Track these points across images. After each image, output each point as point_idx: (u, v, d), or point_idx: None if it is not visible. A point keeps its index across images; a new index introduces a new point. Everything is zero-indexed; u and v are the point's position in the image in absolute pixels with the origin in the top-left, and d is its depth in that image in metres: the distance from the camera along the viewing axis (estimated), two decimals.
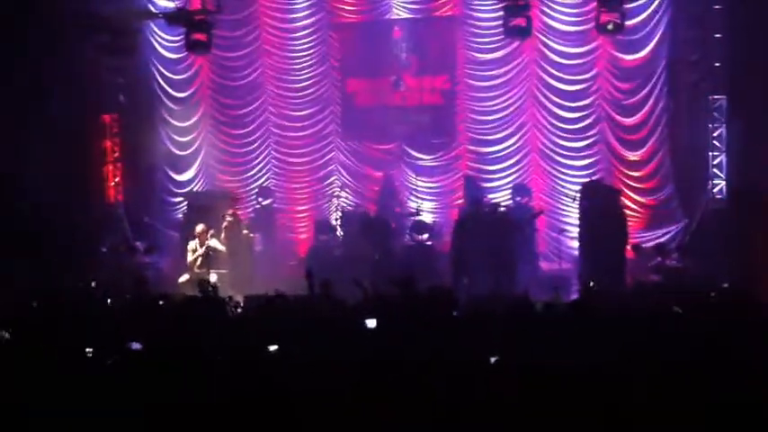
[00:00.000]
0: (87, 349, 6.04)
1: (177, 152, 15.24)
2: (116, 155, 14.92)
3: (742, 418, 4.12)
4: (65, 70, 12.93)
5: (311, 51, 15.08)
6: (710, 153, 13.16)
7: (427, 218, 14.39)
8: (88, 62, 13.33)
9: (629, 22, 12.61)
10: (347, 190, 14.98)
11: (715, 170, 13.16)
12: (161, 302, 8.95)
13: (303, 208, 15.24)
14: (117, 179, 14.93)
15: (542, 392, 4.29)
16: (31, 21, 12.39)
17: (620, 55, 13.69)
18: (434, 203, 14.76)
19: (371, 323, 6.88)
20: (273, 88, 15.24)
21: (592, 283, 9.74)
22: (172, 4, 14.42)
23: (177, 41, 14.59)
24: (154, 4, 14.68)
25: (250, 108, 15.29)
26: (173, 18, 14.24)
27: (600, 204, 11.97)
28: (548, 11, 13.96)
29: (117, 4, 13.14)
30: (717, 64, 12.90)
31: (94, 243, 13.44)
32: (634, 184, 13.70)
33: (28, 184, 12.20)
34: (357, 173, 14.99)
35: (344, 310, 8.22)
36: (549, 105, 14.21)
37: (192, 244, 12.69)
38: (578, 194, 12.27)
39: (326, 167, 15.21)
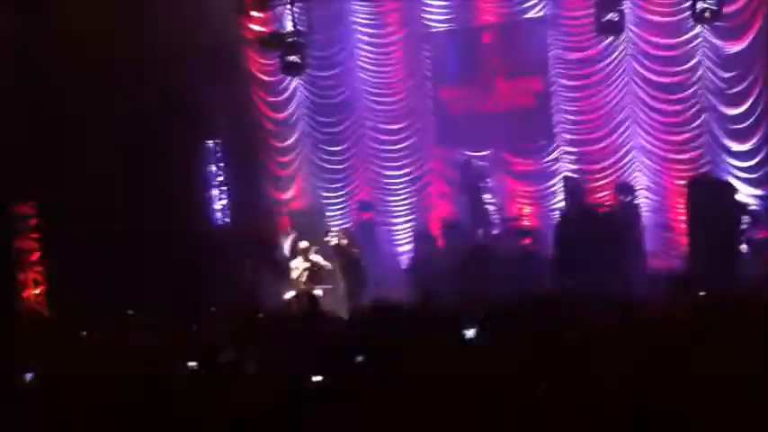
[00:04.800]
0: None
1: (279, 172, 15.60)
2: (220, 179, 15.40)
3: None
4: (167, 98, 13.44)
5: (403, 64, 15.18)
6: None
7: (528, 223, 14.22)
8: (188, 89, 13.81)
9: (726, 9, 12.16)
10: (445, 199, 14.97)
11: None
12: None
13: (402, 220, 15.33)
14: (223, 202, 15.41)
15: None
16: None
17: (720, 43, 13.20)
18: (535, 208, 14.58)
19: (470, 333, 6.82)
20: (367, 103, 15.42)
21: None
22: (265, 28, 14.86)
23: (272, 64, 14.99)
24: (247, 29, 15.10)
25: (345, 125, 15.52)
26: (266, 42, 14.68)
27: (709, 199, 11.57)
28: (641, 3, 13.60)
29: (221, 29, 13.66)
30: None
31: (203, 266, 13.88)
32: (743, 175, 13.15)
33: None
34: (454, 182, 14.95)
35: (445, 320, 8.20)
36: (648, 100, 13.83)
37: (296, 261, 12.97)
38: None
39: (423, 178, 15.26)
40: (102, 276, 12.09)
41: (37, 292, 12.97)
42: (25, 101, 12.64)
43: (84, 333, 8.93)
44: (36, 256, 13.23)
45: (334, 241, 13.22)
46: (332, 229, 13.44)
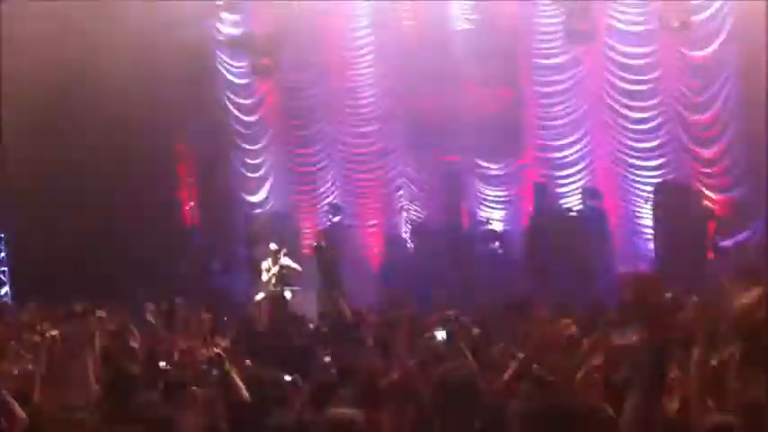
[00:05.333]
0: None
1: (249, 174, 15.53)
2: (190, 179, 15.31)
3: None
4: (137, 98, 13.34)
5: (373, 69, 15.21)
6: None
7: (497, 227, 14.31)
8: (158, 90, 13.71)
9: (694, 18, 12.38)
10: (416, 203, 15.01)
11: None
12: None
13: (373, 223, 15.33)
14: (192, 203, 15.31)
15: None
16: None
17: (688, 51, 13.43)
18: (504, 212, 14.67)
19: (441, 335, 6.85)
20: (338, 106, 15.43)
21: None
22: (236, 31, 14.82)
23: (243, 66, 14.94)
24: (219, 31, 15.05)
25: (316, 128, 15.51)
26: (237, 44, 14.65)
27: (675, 204, 11.75)
28: (611, 12, 13.78)
29: (192, 32, 13.60)
30: None
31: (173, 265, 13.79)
32: (709, 182, 13.37)
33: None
34: (424, 185, 15.02)
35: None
36: (617, 107, 14.01)
37: (266, 263, 12.92)
38: (650, 195, 12.04)
39: (394, 181, 15.29)
40: (69, 275, 11.92)
41: (1, 292, 12.79)
42: None
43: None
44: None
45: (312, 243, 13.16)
46: (305, 231, 13.38)
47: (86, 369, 5.84)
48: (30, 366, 6.12)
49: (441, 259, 13.17)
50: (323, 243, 13.19)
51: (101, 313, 7.72)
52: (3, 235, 13.75)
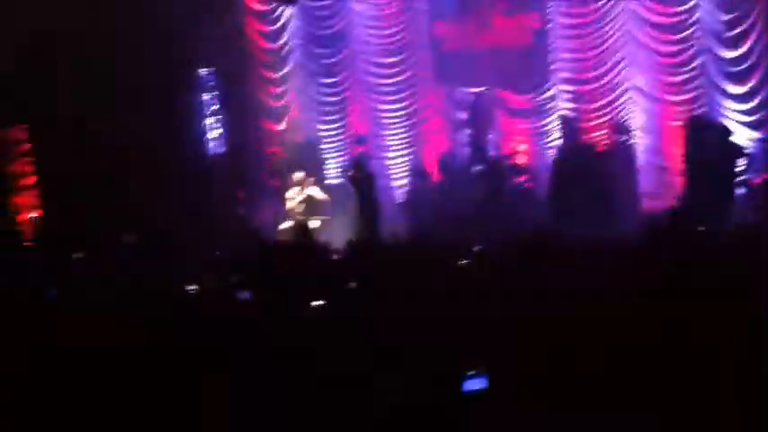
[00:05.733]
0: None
1: (272, 103, 15.43)
2: (214, 107, 15.19)
3: None
4: (156, 25, 13.14)
5: None
6: None
7: (523, 160, 14.27)
8: (177, 18, 13.50)
9: None
10: (442, 135, 14.95)
11: None
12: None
13: (398, 154, 15.29)
14: (217, 132, 15.23)
15: None
16: None
17: None
18: (530, 146, 14.61)
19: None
20: (363, 35, 15.24)
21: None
22: None
23: None
24: None
25: (340, 57, 15.35)
26: None
27: (705, 140, 11.67)
28: None
29: None
30: None
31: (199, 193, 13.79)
32: (740, 118, 13.25)
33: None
34: (449, 117, 14.93)
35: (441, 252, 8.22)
36: (646, 40, 13.81)
37: (292, 192, 12.95)
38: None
39: (420, 113, 15.19)
40: (98, 202, 11.95)
41: (33, 215, 12.87)
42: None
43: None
44: (31, 180, 13.08)
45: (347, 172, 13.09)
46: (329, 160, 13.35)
47: None
48: None
49: (465, 193, 13.17)
50: (357, 172, 13.12)
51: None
52: None
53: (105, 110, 12.58)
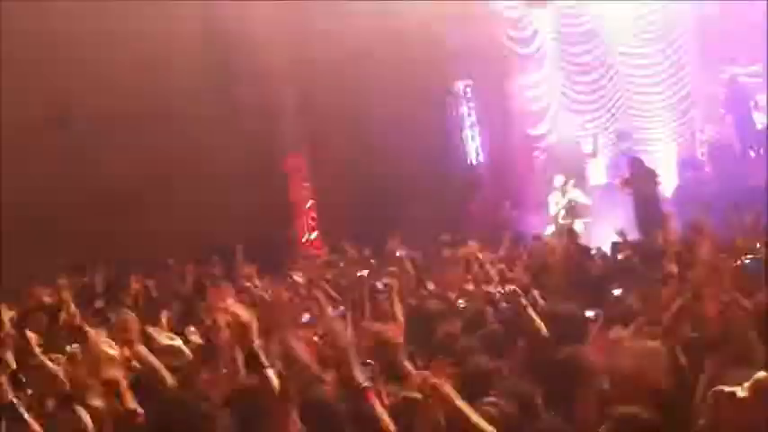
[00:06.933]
0: None
1: (530, 107, 15.43)
2: (472, 119, 15.54)
3: None
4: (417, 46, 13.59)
5: None
6: None
7: None
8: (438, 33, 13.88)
9: None
10: (709, 123, 13.99)
11: None
12: None
13: (661, 147, 14.57)
14: (477, 142, 15.57)
15: None
16: None
17: None
18: None
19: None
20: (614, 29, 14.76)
21: None
22: None
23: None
24: None
25: (594, 53, 14.98)
26: None
27: None
28: None
29: None
30: None
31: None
32: None
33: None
34: (717, 104, 13.92)
35: None
36: None
37: (554, 196, 12.87)
38: None
39: (685, 101, 14.37)
40: (368, 217, 12.63)
41: (312, 236, 13.99)
42: None
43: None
44: (309, 203, 14.26)
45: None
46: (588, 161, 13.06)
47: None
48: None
49: (740, 182, 12.24)
50: (635, 173, 12.24)
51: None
52: None
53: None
